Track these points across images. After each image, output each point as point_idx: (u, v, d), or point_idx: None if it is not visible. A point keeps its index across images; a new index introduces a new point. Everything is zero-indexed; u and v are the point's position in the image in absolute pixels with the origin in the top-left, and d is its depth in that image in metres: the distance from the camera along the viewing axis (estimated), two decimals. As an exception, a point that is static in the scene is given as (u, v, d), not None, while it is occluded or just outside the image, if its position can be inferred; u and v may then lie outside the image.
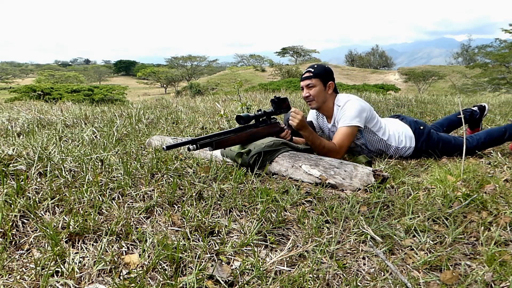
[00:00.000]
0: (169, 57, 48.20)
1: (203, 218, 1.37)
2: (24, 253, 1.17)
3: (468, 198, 1.56)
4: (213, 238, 1.28)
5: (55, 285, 1.01)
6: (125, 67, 66.06)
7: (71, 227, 1.25)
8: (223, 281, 1.05)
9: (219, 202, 1.54)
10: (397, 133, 2.41)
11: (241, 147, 2.05)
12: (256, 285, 1.05)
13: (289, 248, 1.24)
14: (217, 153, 2.19)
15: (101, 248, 1.16)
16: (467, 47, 52.25)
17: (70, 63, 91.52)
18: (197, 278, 1.05)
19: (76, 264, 1.10)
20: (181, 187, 1.67)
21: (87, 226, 1.27)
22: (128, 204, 1.49)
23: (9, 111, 4.28)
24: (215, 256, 1.18)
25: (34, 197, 1.44)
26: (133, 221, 1.36)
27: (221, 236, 1.30)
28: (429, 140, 2.40)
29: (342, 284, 1.07)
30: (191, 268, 1.11)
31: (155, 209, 1.46)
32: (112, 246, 1.20)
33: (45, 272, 1.03)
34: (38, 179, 1.63)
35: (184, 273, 1.10)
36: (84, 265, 1.11)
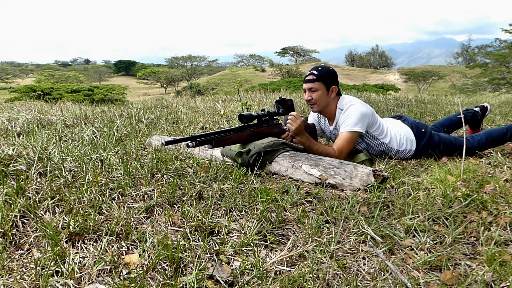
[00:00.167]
0: (169, 57, 48.24)
1: (203, 218, 1.37)
2: (24, 253, 1.17)
3: (468, 198, 1.56)
4: (213, 238, 1.28)
5: (55, 285, 1.01)
6: (125, 67, 66.06)
7: (71, 227, 1.25)
8: (223, 281, 1.05)
9: (219, 202, 1.54)
10: (399, 135, 2.39)
11: (241, 146, 2.04)
12: (256, 285, 1.05)
13: (289, 248, 1.24)
14: (217, 153, 2.19)
15: (101, 248, 1.16)
16: (467, 47, 52.25)
17: (70, 63, 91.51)
18: (197, 278, 1.05)
19: (76, 264, 1.10)
20: (181, 187, 1.67)
21: (87, 226, 1.27)
22: (128, 204, 1.49)
23: (9, 111, 4.28)
24: (215, 256, 1.18)
25: (34, 197, 1.44)
26: (133, 221, 1.36)
27: (221, 236, 1.30)
28: (430, 142, 2.40)
29: (342, 284, 1.07)
30: (191, 268, 1.11)
31: (155, 209, 1.46)
32: (112, 246, 1.20)
33: (45, 272, 1.03)
34: (38, 179, 1.63)
35: (184, 273, 1.10)
36: (84, 265, 1.11)
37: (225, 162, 2.03)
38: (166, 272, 1.09)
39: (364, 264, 1.17)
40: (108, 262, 1.11)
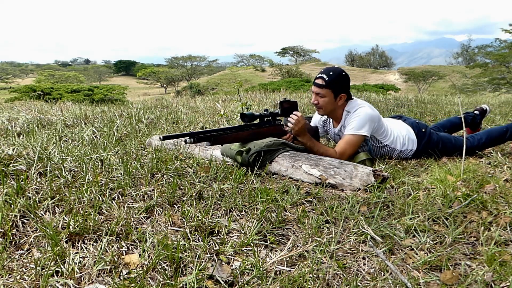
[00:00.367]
0: (169, 57, 48.24)
1: (203, 218, 1.37)
2: (24, 253, 1.17)
3: (468, 198, 1.56)
4: (213, 238, 1.28)
5: (55, 285, 1.01)
6: (125, 67, 66.06)
7: (71, 227, 1.25)
8: (223, 281, 1.05)
9: (219, 202, 1.54)
10: (401, 136, 2.37)
11: (241, 145, 2.04)
12: (256, 285, 1.05)
13: (289, 248, 1.24)
14: (217, 153, 2.19)
15: (101, 248, 1.16)
16: (467, 47, 52.24)
17: (70, 63, 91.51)
18: (197, 278, 1.05)
19: (76, 264, 1.10)
20: (181, 187, 1.67)
21: (87, 226, 1.27)
22: (128, 204, 1.49)
23: (9, 111, 4.28)
24: (215, 256, 1.18)
25: (34, 197, 1.44)
26: (133, 221, 1.36)
27: (221, 236, 1.30)
28: (429, 141, 2.40)
29: (342, 284, 1.07)
30: (191, 268, 1.11)
31: (155, 209, 1.46)
32: (112, 246, 1.20)
33: (45, 272, 1.03)
34: (38, 179, 1.63)
35: (184, 273, 1.10)
36: (84, 265, 1.11)
37: (225, 162, 2.03)
38: (166, 272, 1.09)
39: (364, 264, 1.17)
40: (108, 262, 1.11)
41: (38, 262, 1.08)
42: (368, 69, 51.04)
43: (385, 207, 1.57)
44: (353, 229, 1.36)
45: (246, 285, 1.05)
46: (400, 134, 2.38)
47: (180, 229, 1.33)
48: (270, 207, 1.49)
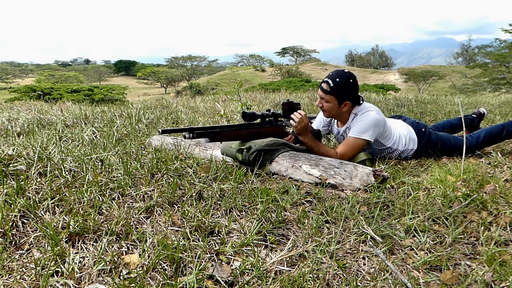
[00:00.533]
0: (169, 57, 48.26)
1: (203, 218, 1.37)
2: (24, 253, 1.17)
3: (468, 198, 1.56)
4: (213, 238, 1.28)
5: (55, 285, 1.01)
6: (125, 67, 66.07)
7: (71, 227, 1.25)
8: (223, 281, 1.05)
9: (219, 202, 1.54)
10: (403, 137, 2.36)
11: (241, 143, 2.03)
12: (256, 285, 1.05)
13: (289, 248, 1.24)
14: (217, 153, 2.19)
15: (101, 248, 1.16)
16: (467, 47, 52.25)
17: (70, 63, 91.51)
18: (197, 278, 1.05)
19: (76, 264, 1.10)
20: (181, 187, 1.67)
21: (87, 226, 1.27)
22: (128, 204, 1.49)
23: (9, 111, 4.28)
24: (215, 256, 1.18)
25: (34, 197, 1.44)
26: (133, 221, 1.36)
27: (221, 236, 1.30)
28: (429, 141, 2.40)
29: (342, 284, 1.07)
30: (191, 268, 1.11)
31: (155, 209, 1.46)
32: (112, 246, 1.20)
33: (45, 272, 1.03)
34: (38, 179, 1.63)
35: (184, 273, 1.10)
36: (84, 265, 1.11)
37: (225, 162, 2.03)
38: (166, 272, 1.09)
39: (364, 264, 1.17)
40: (108, 262, 1.11)
41: (38, 262, 1.08)
42: (368, 69, 51.05)
43: (385, 207, 1.57)
44: (353, 229, 1.36)
45: (246, 285, 1.05)
46: (402, 134, 2.37)
47: (180, 229, 1.33)
48: (270, 207, 1.49)
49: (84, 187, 1.55)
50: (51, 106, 5.14)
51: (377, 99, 5.85)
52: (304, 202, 1.60)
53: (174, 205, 1.51)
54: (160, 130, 1.71)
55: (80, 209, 1.40)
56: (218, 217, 1.43)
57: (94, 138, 2.70)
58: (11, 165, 1.75)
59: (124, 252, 1.19)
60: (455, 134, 2.69)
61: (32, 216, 1.34)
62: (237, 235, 1.32)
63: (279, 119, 2.17)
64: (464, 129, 2.35)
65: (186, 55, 45.85)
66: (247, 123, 2.05)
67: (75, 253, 1.16)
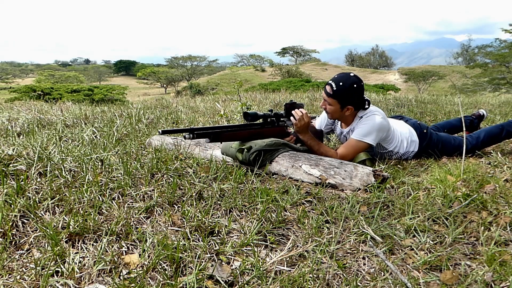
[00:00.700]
0: (169, 57, 48.29)
1: (203, 218, 1.37)
2: (24, 253, 1.17)
3: (468, 198, 1.56)
4: (213, 238, 1.28)
5: (55, 285, 1.01)
6: (125, 67, 66.09)
7: (71, 227, 1.25)
8: (223, 281, 1.05)
9: (219, 202, 1.54)
10: (405, 140, 2.35)
11: (242, 143, 2.03)
12: (256, 285, 1.05)
13: (289, 248, 1.24)
14: (217, 153, 2.19)
15: (101, 248, 1.16)
16: (467, 47, 52.24)
17: (70, 63, 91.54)
18: (197, 278, 1.05)
19: (76, 264, 1.10)
20: (181, 187, 1.67)
21: (87, 226, 1.27)
22: (128, 204, 1.49)
23: (9, 111, 4.28)
24: (215, 256, 1.18)
25: (34, 197, 1.44)
26: (133, 221, 1.37)
27: (221, 236, 1.30)
28: (430, 142, 2.40)
29: (342, 284, 1.07)
30: (191, 268, 1.11)
31: (155, 209, 1.46)
32: (112, 246, 1.20)
33: (45, 272, 1.03)
34: (38, 179, 1.63)
35: (184, 273, 1.10)
36: (84, 265, 1.11)
37: (225, 162, 2.03)
38: (166, 272, 1.09)
39: (364, 264, 1.17)
40: (108, 262, 1.11)
41: (38, 262, 1.08)
42: (368, 69, 51.04)
43: (385, 207, 1.57)
44: (353, 229, 1.36)
45: (246, 285, 1.05)
46: (404, 137, 2.35)
47: (180, 229, 1.33)
48: (270, 207, 1.49)
49: (84, 187, 1.55)
50: (51, 106, 5.14)
51: (377, 99, 5.84)
52: (304, 202, 1.59)
53: (174, 205, 1.51)
54: (160, 130, 1.71)
55: (80, 209, 1.40)
56: (218, 217, 1.43)
57: (94, 138, 2.70)
58: (11, 165, 1.75)
59: (124, 252, 1.19)
60: (455, 135, 2.69)
61: (32, 216, 1.34)
62: (237, 235, 1.32)
63: (281, 119, 2.16)
64: (464, 129, 2.35)
65: (186, 55, 45.91)
66: (249, 124, 2.04)
67: (75, 253, 1.16)
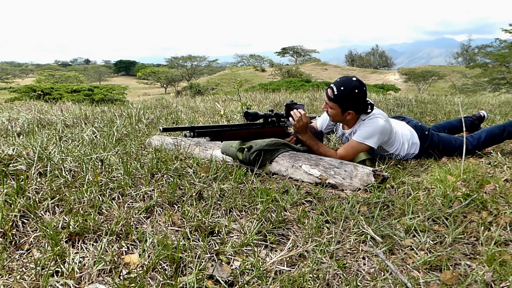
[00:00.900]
0: (169, 57, 48.28)
1: (203, 218, 1.37)
2: (24, 253, 1.17)
3: (468, 198, 1.56)
4: (213, 238, 1.28)
5: (55, 285, 1.01)
6: (125, 67, 66.09)
7: (71, 227, 1.25)
8: (223, 281, 1.05)
9: (219, 202, 1.54)
10: (406, 142, 2.34)
11: (242, 142, 2.03)
12: (256, 285, 1.05)
13: (289, 248, 1.24)
14: (217, 153, 2.19)
15: (101, 248, 1.16)
16: (467, 47, 52.24)
17: (70, 63, 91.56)
18: (197, 278, 1.05)
19: (76, 264, 1.10)
20: (181, 187, 1.67)
21: (87, 226, 1.27)
22: (128, 204, 1.49)
23: (9, 111, 4.28)
24: (215, 256, 1.18)
25: (34, 197, 1.44)
26: (133, 221, 1.37)
27: (221, 236, 1.30)
28: (431, 143, 2.40)
29: (342, 284, 1.07)
30: (191, 268, 1.11)
31: (155, 209, 1.46)
32: (112, 246, 1.20)
33: (45, 272, 1.03)
34: (38, 179, 1.63)
35: (184, 273, 1.10)
36: (84, 265, 1.11)
37: (225, 162, 2.03)
38: (166, 272, 1.09)
39: (364, 264, 1.17)
40: (108, 262, 1.11)
41: (38, 262, 1.08)
42: (368, 69, 51.04)
43: (385, 207, 1.57)
44: (353, 229, 1.36)
45: (246, 285, 1.05)
46: (405, 139, 2.34)
47: (180, 229, 1.33)
48: (270, 207, 1.49)
49: (84, 187, 1.55)
50: (51, 106, 5.14)
51: (377, 99, 5.84)
52: (304, 202, 1.59)
53: (174, 205, 1.51)
54: (161, 127, 1.72)
55: (80, 209, 1.40)
56: (218, 217, 1.43)
57: (94, 138, 2.70)
58: (11, 165, 1.75)
59: (124, 252, 1.19)
60: (455, 135, 2.69)
61: (32, 216, 1.34)
62: (237, 235, 1.32)
63: (282, 119, 2.16)
64: (464, 130, 2.35)
65: (186, 55, 45.92)
66: (249, 123, 2.04)
67: (75, 253, 1.16)
